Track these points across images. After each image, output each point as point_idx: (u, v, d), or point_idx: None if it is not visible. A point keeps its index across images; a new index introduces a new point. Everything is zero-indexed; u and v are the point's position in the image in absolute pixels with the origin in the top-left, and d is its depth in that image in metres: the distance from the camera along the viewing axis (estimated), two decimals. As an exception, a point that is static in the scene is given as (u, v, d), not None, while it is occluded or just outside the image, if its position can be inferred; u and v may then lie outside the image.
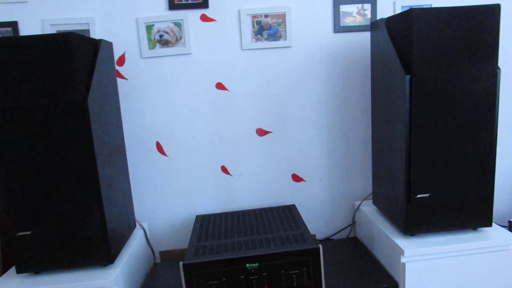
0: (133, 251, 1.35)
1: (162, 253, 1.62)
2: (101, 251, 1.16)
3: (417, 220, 1.21)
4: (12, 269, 1.25)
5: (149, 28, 1.43)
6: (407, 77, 1.13)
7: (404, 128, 1.17)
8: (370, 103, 1.58)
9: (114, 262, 1.23)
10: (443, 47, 1.12)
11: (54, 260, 1.16)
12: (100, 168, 1.13)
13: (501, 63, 1.57)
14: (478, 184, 1.20)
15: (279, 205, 1.61)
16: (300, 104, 1.56)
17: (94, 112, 1.12)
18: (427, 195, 1.19)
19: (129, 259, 1.30)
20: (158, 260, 1.63)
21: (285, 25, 1.48)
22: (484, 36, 1.12)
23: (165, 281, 1.39)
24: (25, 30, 1.41)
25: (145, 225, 1.54)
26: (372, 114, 1.44)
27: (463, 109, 1.15)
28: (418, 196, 1.19)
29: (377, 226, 1.38)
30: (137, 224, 1.52)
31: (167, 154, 1.56)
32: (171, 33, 1.44)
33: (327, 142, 1.60)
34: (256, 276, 1.12)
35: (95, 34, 1.43)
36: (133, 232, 1.47)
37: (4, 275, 1.21)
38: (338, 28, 1.50)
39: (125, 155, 1.43)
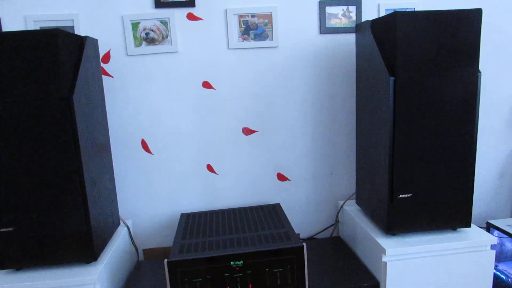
0: (116, 249, 1.35)
1: (146, 251, 1.62)
2: (84, 248, 1.15)
3: (398, 220, 1.24)
4: (-7, 267, 1.23)
5: (135, 25, 1.43)
6: (391, 79, 1.16)
7: (387, 129, 1.19)
8: (355, 104, 1.61)
9: (98, 259, 1.22)
10: (426, 50, 1.15)
11: (37, 256, 1.15)
12: (85, 165, 1.13)
13: (481, 67, 1.61)
14: (458, 186, 1.23)
15: (264, 203, 1.63)
16: (286, 104, 1.57)
17: (79, 109, 1.11)
18: (409, 195, 1.22)
19: (113, 256, 1.30)
20: (141, 258, 1.62)
21: (271, 25, 1.49)
22: (465, 40, 1.15)
23: (149, 279, 1.39)
24: (8, 26, 1.39)
25: (129, 223, 1.53)
26: (356, 115, 1.46)
27: (445, 112, 1.18)
28: (400, 196, 1.22)
29: (359, 226, 1.40)
30: (121, 222, 1.51)
31: (152, 152, 1.56)
32: (157, 31, 1.43)
33: (312, 142, 1.62)
34: (241, 274, 1.13)
35: (80, 31, 1.42)
36: (117, 230, 1.46)
37: (-17, 273, 1.19)
38: (324, 29, 1.52)
39: (110, 152, 1.42)
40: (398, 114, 1.17)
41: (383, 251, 1.21)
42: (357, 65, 1.43)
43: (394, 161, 1.20)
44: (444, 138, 1.19)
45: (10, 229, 1.12)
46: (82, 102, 1.14)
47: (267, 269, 1.14)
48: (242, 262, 1.12)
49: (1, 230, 1.12)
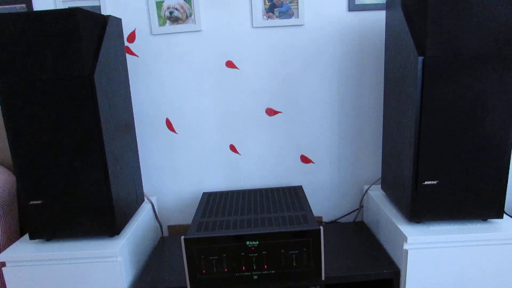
0: (140, 224, 1.39)
1: (170, 227, 1.66)
2: (107, 223, 1.20)
3: (423, 208, 1.18)
4: (26, 235, 1.31)
5: (159, 4, 1.42)
6: (420, 58, 1.09)
7: (414, 112, 1.13)
8: (382, 85, 1.54)
9: (121, 233, 1.27)
10: (458, 29, 1.06)
11: (64, 229, 1.20)
12: (106, 142, 1.16)
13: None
14: (490, 174, 1.16)
15: (287, 185, 1.61)
16: (311, 84, 1.53)
17: (101, 88, 1.13)
18: (434, 182, 1.16)
19: (136, 231, 1.34)
20: (166, 234, 1.67)
21: (297, 3, 1.43)
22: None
23: (171, 253, 1.43)
24: (38, 6, 1.43)
25: (153, 200, 1.58)
26: (384, 97, 1.40)
27: (477, 94, 1.10)
28: (425, 183, 1.16)
29: (383, 211, 1.36)
30: (145, 199, 1.56)
31: (176, 131, 1.57)
32: (181, 10, 1.42)
33: (338, 124, 1.57)
34: (256, 254, 1.13)
35: (106, 11, 1.44)
36: (141, 206, 1.51)
37: (18, 241, 1.27)
38: (353, 6, 1.45)
39: (134, 130, 1.45)
40: (426, 96, 1.10)
41: (405, 238, 1.17)
42: (386, 44, 1.36)
43: (420, 146, 1.14)
44: (475, 122, 1.12)
45: (39, 202, 1.18)
46: (104, 80, 1.17)
47: (282, 251, 1.13)
48: (257, 242, 1.12)
49: (32, 202, 1.18)
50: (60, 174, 1.16)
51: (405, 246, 1.17)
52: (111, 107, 1.21)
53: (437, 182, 1.16)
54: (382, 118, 1.49)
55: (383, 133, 1.43)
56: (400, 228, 1.20)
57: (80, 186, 1.16)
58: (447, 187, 1.17)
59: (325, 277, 1.18)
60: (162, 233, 1.63)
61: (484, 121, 1.12)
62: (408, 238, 1.15)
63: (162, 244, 1.52)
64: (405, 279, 1.19)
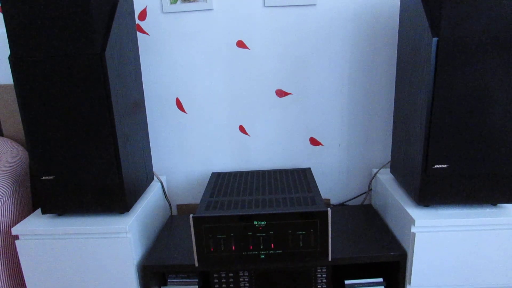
0: (150, 202, 1.41)
1: (179, 207, 1.68)
2: (118, 200, 1.22)
3: (432, 191, 1.18)
4: (39, 210, 1.34)
5: (170, -19, 1.41)
6: (434, 39, 1.06)
7: (426, 94, 1.11)
8: (395, 68, 1.51)
9: (130, 211, 1.29)
10: (473, 11, 1.04)
11: (76, 204, 1.23)
12: (117, 120, 1.16)
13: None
14: (501, 158, 1.14)
15: (295, 167, 1.61)
16: (322, 66, 1.51)
17: (112, 65, 1.13)
18: (445, 166, 1.15)
19: (145, 209, 1.36)
20: (175, 213, 1.69)
21: (310, -19, 1.41)
22: None
23: (180, 231, 1.45)
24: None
25: (163, 179, 1.59)
26: (396, 79, 1.38)
27: (489, 77, 1.08)
28: (435, 166, 1.15)
29: (391, 195, 1.36)
30: (155, 177, 1.57)
31: (186, 111, 1.58)
32: (192, -13, 1.41)
33: (348, 106, 1.56)
34: (263, 234, 1.15)
35: (118, -13, 1.42)
36: (151, 185, 1.53)
37: (31, 215, 1.30)
38: (368, -14, 1.41)
39: (144, 109, 1.46)
40: (439, 78, 1.08)
41: (412, 221, 1.17)
42: (400, 25, 1.33)
43: (431, 129, 1.12)
44: (488, 105, 1.10)
45: (51, 177, 1.20)
46: (115, 58, 1.17)
47: (290, 231, 1.14)
48: (265, 222, 1.13)
49: (44, 177, 1.20)
50: (71, 150, 1.17)
51: (413, 229, 1.17)
52: (122, 85, 1.21)
53: (447, 166, 1.15)
54: (394, 101, 1.47)
55: (394, 116, 1.42)
56: (408, 211, 1.20)
57: (91, 163, 1.18)
58: (457, 171, 1.16)
59: (331, 258, 1.19)
60: (171, 212, 1.65)
61: (497, 105, 1.10)
62: (416, 221, 1.15)
63: (171, 223, 1.54)
64: (412, 262, 1.19)
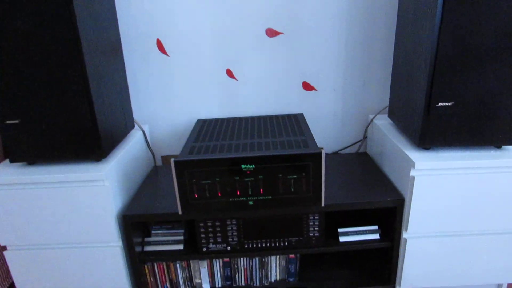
0: (130, 151, 1.31)
1: (164, 158, 1.58)
2: (92, 145, 1.11)
3: (434, 132, 1.09)
4: (7, 160, 1.23)
5: None
6: (444, -42, 0.94)
7: (432, 26, 0.99)
8: (396, 3, 1.38)
9: (108, 158, 1.19)
10: None
11: (47, 151, 1.12)
12: (88, 59, 1.04)
13: None
14: (507, 99, 1.05)
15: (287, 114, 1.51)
16: (316, 2, 1.37)
17: (80, 2, 1.00)
18: (449, 104, 1.06)
19: (125, 157, 1.26)
20: (160, 164, 1.60)
21: None
22: None
23: (164, 182, 1.36)
24: None
25: (146, 128, 1.48)
26: (398, 13, 1.25)
27: (502, 17, 0.96)
28: (439, 104, 1.06)
29: (389, 139, 1.27)
30: (135, 125, 1.46)
31: (168, 54, 1.44)
32: None
33: (345, 48, 1.44)
34: (252, 178, 1.06)
35: None
36: (132, 134, 1.42)
37: (0, 164, 1.20)
38: None
39: (121, 51, 1.32)
40: (447, 12, 0.96)
41: (412, 164, 1.08)
42: (404, -51, 1.19)
43: (437, 63, 1.02)
44: (497, 41, 0.98)
45: (16, 121, 1.08)
46: (82, -12, 1.02)
47: (280, 175, 1.05)
48: (253, 166, 1.04)
49: (8, 122, 1.08)
50: (38, 91, 1.05)
51: (412, 173, 1.10)
52: (91, 22, 1.07)
53: (452, 104, 1.06)
54: (395, 38, 1.35)
55: (394, 55, 1.31)
56: (408, 154, 1.12)
57: (60, 105, 1.06)
58: (461, 111, 1.06)
59: (325, 204, 1.11)
60: (155, 162, 1.55)
61: (505, 47, 0.98)
62: (416, 163, 1.07)
63: (155, 173, 1.45)
64: (410, 207, 1.12)
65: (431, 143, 1.11)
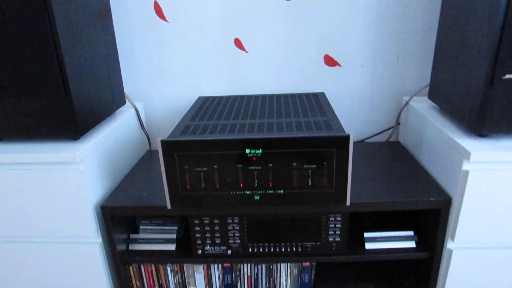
0: (117, 130, 1.10)
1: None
2: (65, 120, 0.91)
3: (496, 113, 0.84)
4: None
5: None
6: None
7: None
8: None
9: (86, 137, 0.98)
10: None
11: (16, 126, 0.93)
12: (58, 9, 0.83)
13: None
14: None
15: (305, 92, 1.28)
16: (345, -46, 1.13)
17: None
18: (518, 77, 0.81)
19: (110, 137, 1.06)
20: (156, 148, 1.39)
21: None
22: None
23: (158, 169, 1.15)
24: None
25: (140, 105, 1.27)
26: (448, -33, 1.00)
27: None
28: (506, 76, 0.81)
29: (432, 124, 1.03)
30: (127, 101, 1.25)
31: (167, 19, 1.23)
32: None
33: (376, 16, 1.19)
34: (259, 167, 0.83)
35: None
36: (122, 111, 1.21)
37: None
38: None
39: (109, 14, 1.11)
40: None
41: (465, 155, 0.84)
42: None
43: (505, 26, 0.77)
44: None
45: (-26, 87, 0.88)
46: None
47: (295, 164, 0.83)
48: (261, 151, 0.82)
49: (-36, 89, 0.89)
50: (2, 53, 0.85)
51: (465, 166, 0.85)
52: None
53: (523, 78, 0.81)
54: (440, 5, 1.10)
55: (439, 24, 1.05)
56: (459, 142, 0.87)
57: (29, 69, 0.86)
58: (534, 87, 0.82)
59: (350, 203, 0.88)
60: (151, 147, 1.34)
61: None
62: (471, 154, 0.83)
63: (149, 159, 1.24)
64: (459, 210, 0.88)
65: (491, 128, 0.86)
